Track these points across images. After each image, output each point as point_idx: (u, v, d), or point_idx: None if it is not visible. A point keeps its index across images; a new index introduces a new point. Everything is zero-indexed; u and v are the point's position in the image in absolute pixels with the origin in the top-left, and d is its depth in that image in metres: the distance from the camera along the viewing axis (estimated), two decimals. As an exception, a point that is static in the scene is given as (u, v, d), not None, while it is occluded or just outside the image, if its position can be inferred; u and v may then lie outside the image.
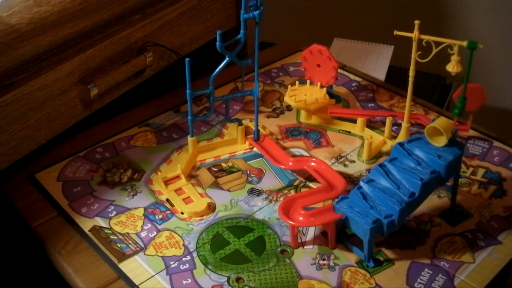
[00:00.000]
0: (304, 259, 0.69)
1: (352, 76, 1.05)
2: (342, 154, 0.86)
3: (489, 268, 0.68)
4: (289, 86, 0.94)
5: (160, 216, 0.75)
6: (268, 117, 0.94)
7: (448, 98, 1.18)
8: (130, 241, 0.72)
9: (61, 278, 0.72)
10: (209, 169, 0.83)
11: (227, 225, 0.74)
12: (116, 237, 0.72)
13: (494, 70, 1.39)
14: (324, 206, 0.71)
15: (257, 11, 0.75)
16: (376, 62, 1.18)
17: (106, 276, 0.68)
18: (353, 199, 0.68)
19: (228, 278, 0.67)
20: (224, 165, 0.84)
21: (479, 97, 0.84)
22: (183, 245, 0.71)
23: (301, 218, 0.69)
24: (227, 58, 0.78)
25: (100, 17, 0.85)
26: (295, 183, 0.80)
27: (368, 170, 0.82)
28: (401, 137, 0.85)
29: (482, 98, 0.84)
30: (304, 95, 0.91)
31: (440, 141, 0.70)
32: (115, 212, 0.76)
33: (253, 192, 0.79)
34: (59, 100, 0.81)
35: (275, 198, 0.78)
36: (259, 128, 0.88)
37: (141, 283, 0.66)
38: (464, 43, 0.74)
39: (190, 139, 0.83)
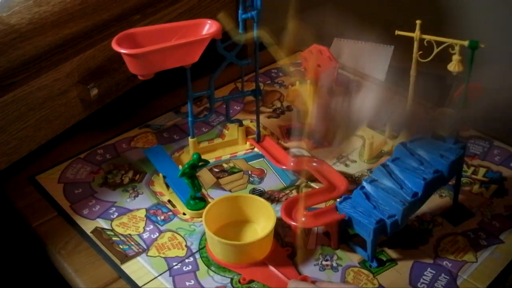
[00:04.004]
0: (307, 260, 0.69)
1: (352, 76, 1.05)
2: (343, 154, 0.86)
3: (492, 267, 0.68)
4: (290, 86, 0.94)
5: (162, 217, 0.75)
6: (268, 117, 0.94)
7: (449, 98, 1.18)
8: (132, 243, 0.71)
9: (61, 278, 0.72)
10: (211, 170, 0.83)
11: (229, 225, 0.73)
12: (118, 239, 0.72)
13: (494, 70, 1.39)
14: (327, 206, 0.71)
15: (255, 11, 0.75)
16: (376, 62, 1.18)
17: (106, 276, 0.68)
18: (356, 199, 0.68)
19: (231, 279, 0.67)
20: (225, 165, 0.84)
21: (480, 96, 0.84)
22: (186, 246, 0.71)
23: (303, 219, 0.69)
24: (226, 59, 0.77)
25: (100, 17, 0.84)
26: (297, 183, 0.80)
27: (370, 170, 0.82)
28: (402, 137, 0.85)
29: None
30: (305, 96, 0.91)
31: None
32: (116, 214, 0.76)
33: (255, 192, 0.79)
34: (59, 100, 0.80)
35: (277, 199, 0.78)
36: (259, 128, 0.87)
37: (144, 284, 0.66)
38: (466, 43, 0.74)
39: (191, 140, 0.83)
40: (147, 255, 0.70)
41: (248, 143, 0.87)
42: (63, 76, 0.80)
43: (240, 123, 0.87)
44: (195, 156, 0.73)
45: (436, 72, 1.17)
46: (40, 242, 0.74)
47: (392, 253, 0.70)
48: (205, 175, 0.82)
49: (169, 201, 0.78)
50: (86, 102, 0.84)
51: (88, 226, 0.74)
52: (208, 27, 0.75)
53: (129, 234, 0.73)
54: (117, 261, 0.69)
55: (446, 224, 0.74)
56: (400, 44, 0.99)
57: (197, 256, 0.70)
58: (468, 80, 0.80)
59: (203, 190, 0.79)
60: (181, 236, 0.72)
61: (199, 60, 0.74)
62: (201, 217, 0.69)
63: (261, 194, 0.79)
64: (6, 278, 0.84)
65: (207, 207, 0.70)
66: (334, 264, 0.68)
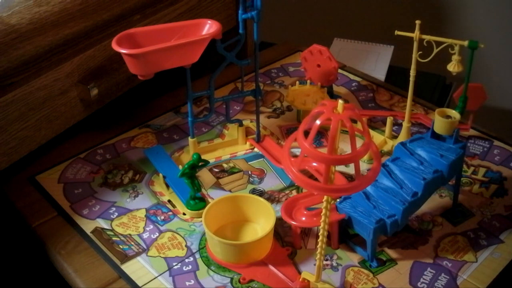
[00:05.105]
0: (307, 260, 0.69)
1: (352, 76, 1.05)
2: (343, 154, 0.85)
3: (492, 267, 0.68)
4: (290, 86, 0.94)
5: (162, 217, 0.75)
6: (268, 117, 0.94)
7: (448, 98, 1.18)
8: (132, 243, 0.71)
9: (61, 278, 0.72)
10: (210, 170, 0.83)
11: (229, 225, 0.74)
12: (118, 239, 0.72)
13: (494, 70, 1.39)
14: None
15: (255, 11, 0.75)
16: (376, 62, 1.18)
17: (106, 276, 0.68)
18: (356, 199, 0.68)
19: (231, 279, 0.67)
20: (225, 165, 0.84)
21: (480, 96, 0.84)
22: (186, 246, 0.71)
23: (303, 219, 0.69)
24: (226, 59, 0.77)
25: (100, 17, 0.84)
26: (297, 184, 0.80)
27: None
28: (402, 136, 0.85)
29: (482, 97, 0.84)
30: (305, 96, 0.91)
31: None
32: (116, 214, 0.76)
33: (255, 192, 0.79)
34: (59, 100, 0.80)
35: (277, 199, 0.78)
36: (259, 128, 0.87)
37: (144, 284, 0.66)
38: (465, 43, 0.74)
39: (191, 140, 0.83)
40: (147, 255, 0.70)
41: (248, 143, 0.87)
42: (63, 76, 0.80)
43: (240, 123, 0.87)
44: (195, 156, 0.73)
45: (436, 72, 1.18)
46: (40, 242, 0.74)
47: (392, 253, 0.70)
48: (205, 175, 0.82)
49: (169, 201, 0.78)
50: (86, 102, 0.84)
51: (88, 226, 0.74)
52: (208, 27, 0.75)
53: (129, 234, 0.73)
54: (117, 261, 0.69)
55: (446, 224, 0.74)
56: (400, 44, 1.00)
57: (197, 256, 0.70)
58: (467, 80, 0.81)
59: (203, 190, 0.79)
60: (181, 236, 0.72)
61: (199, 60, 0.74)
62: (201, 217, 0.70)
63: (261, 194, 0.79)
64: (6, 278, 0.84)
65: (207, 207, 0.70)
66: (334, 264, 0.68)
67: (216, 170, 0.83)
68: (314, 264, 0.68)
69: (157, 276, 0.67)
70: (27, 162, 0.83)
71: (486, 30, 1.37)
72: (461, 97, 0.82)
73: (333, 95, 0.96)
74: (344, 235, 0.70)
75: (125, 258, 0.69)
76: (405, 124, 0.85)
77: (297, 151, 0.86)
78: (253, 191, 0.79)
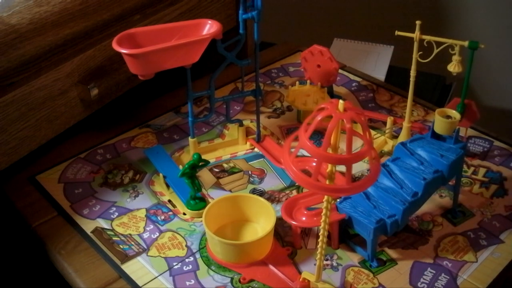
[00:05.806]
0: (307, 260, 0.69)
1: (352, 76, 1.05)
2: (341, 154, 0.85)
3: (492, 267, 0.68)
4: (290, 86, 0.94)
5: (162, 217, 0.75)
6: (268, 117, 0.94)
7: (448, 98, 1.18)
8: (132, 242, 0.71)
9: (61, 278, 0.72)
10: (211, 170, 0.83)
11: (229, 225, 0.74)
12: (118, 239, 0.72)
13: (494, 70, 1.39)
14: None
15: (255, 11, 0.75)
16: (376, 62, 1.18)
17: (106, 276, 0.68)
18: (356, 199, 0.68)
19: (232, 279, 0.67)
20: (225, 165, 0.84)
21: (472, 114, 0.82)
22: (186, 246, 0.71)
23: (304, 219, 0.69)
24: (226, 59, 0.78)
25: (100, 17, 0.84)
26: (297, 183, 0.80)
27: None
28: (402, 137, 0.85)
29: (474, 116, 0.82)
30: (305, 96, 0.91)
31: None
32: (117, 214, 0.76)
33: (255, 192, 0.79)
34: (59, 100, 0.80)
35: (277, 199, 0.78)
36: (260, 128, 0.87)
37: (144, 284, 0.66)
38: (466, 43, 0.74)
39: (191, 140, 0.83)
40: (147, 255, 0.70)
41: (248, 143, 0.87)
42: (63, 76, 0.80)
43: (240, 123, 0.87)
44: (195, 156, 0.73)
45: (436, 72, 1.18)
46: (40, 242, 0.74)
47: (392, 253, 0.70)
48: (205, 175, 0.82)
49: (169, 201, 0.78)
50: (86, 102, 0.84)
51: (88, 226, 0.74)
52: (209, 27, 0.75)
53: (129, 234, 0.73)
54: (117, 261, 0.69)
55: (446, 224, 0.74)
56: (400, 44, 1.00)
57: (197, 255, 0.70)
58: (467, 81, 0.80)
59: (203, 190, 0.79)
60: (181, 236, 0.72)
61: (199, 60, 0.74)
62: (201, 217, 0.70)
63: (261, 194, 0.79)
64: (6, 278, 0.84)
65: (207, 207, 0.70)
66: (334, 264, 0.68)
67: (216, 170, 0.83)
68: (314, 264, 0.68)
69: (157, 276, 0.67)
70: (27, 162, 0.83)
71: (486, 30, 1.37)
72: (458, 105, 0.80)
73: (333, 95, 0.96)
74: (344, 235, 0.71)
75: (125, 258, 0.69)
76: (405, 124, 0.85)
77: (298, 151, 0.86)
78: (253, 191, 0.79)
